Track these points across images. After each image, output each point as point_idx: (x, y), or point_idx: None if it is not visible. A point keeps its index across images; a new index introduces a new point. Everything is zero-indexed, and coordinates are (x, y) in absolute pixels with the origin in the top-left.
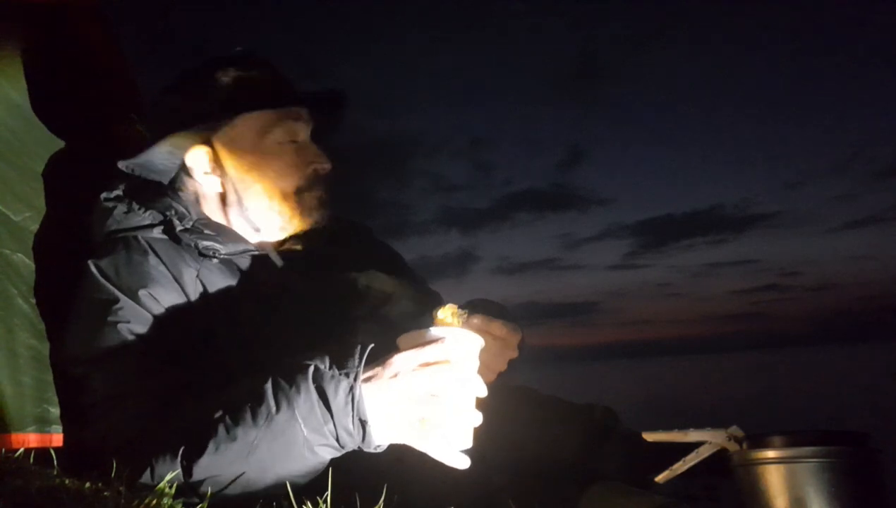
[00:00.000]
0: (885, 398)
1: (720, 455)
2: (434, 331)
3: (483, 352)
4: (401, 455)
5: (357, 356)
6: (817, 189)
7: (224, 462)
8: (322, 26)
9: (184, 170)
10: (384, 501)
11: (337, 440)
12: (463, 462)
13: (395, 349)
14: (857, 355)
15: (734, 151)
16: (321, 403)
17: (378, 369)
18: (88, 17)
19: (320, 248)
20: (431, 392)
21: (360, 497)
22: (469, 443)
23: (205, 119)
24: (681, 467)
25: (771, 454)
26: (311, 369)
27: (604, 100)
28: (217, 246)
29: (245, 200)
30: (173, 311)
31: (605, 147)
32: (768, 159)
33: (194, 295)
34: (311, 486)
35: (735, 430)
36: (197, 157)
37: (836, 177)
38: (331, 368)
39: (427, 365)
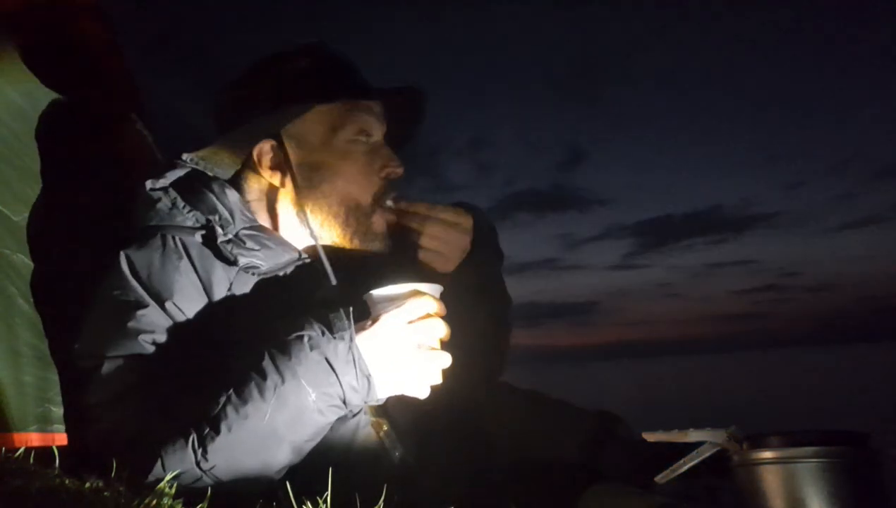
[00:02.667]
0: (885, 398)
1: (720, 455)
2: (402, 288)
3: (435, 240)
4: (401, 455)
5: (345, 319)
6: (817, 189)
7: (238, 442)
8: (322, 26)
9: (249, 164)
10: (384, 501)
11: (343, 400)
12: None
13: (368, 304)
14: (857, 355)
15: (734, 151)
16: (324, 365)
17: (369, 330)
18: (88, 17)
19: (378, 258)
20: (418, 343)
21: (360, 497)
22: (440, 380)
23: (272, 110)
24: (681, 467)
25: (771, 454)
26: (306, 338)
27: (604, 101)
28: (258, 262)
29: (307, 203)
30: (200, 322)
31: (606, 147)
32: (768, 159)
33: (223, 307)
34: (311, 486)
35: (735, 430)
36: (263, 151)
37: (836, 177)
38: (324, 334)
39: (412, 322)
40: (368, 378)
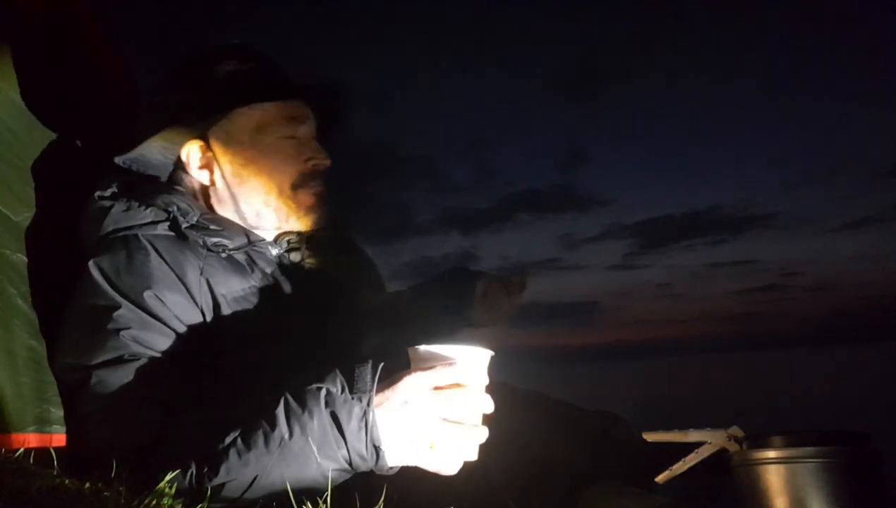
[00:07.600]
0: (885, 398)
1: (720, 455)
2: (445, 350)
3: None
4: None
5: (369, 378)
6: (817, 189)
7: (235, 485)
8: (324, 27)
9: (179, 165)
10: (384, 501)
11: (350, 464)
12: (457, 468)
13: (407, 362)
14: (857, 355)
15: (734, 152)
16: (334, 429)
17: (390, 392)
18: (88, 17)
19: (323, 243)
20: (443, 416)
21: (360, 497)
22: (475, 456)
23: (199, 112)
24: (681, 467)
25: (771, 454)
26: (324, 392)
27: (604, 102)
28: (225, 241)
29: (239, 197)
30: (178, 312)
31: (606, 148)
32: (768, 160)
33: (199, 293)
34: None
35: (735, 430)
36: (191, 152)
37: (836, 178)
38: (343, 391)
39: (439, 389)
40: (377, 448)
